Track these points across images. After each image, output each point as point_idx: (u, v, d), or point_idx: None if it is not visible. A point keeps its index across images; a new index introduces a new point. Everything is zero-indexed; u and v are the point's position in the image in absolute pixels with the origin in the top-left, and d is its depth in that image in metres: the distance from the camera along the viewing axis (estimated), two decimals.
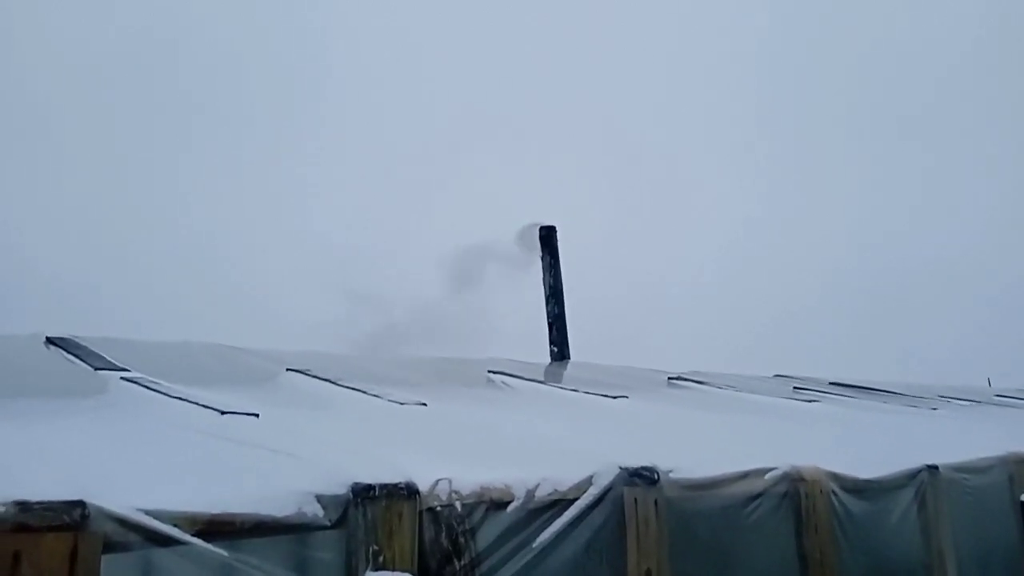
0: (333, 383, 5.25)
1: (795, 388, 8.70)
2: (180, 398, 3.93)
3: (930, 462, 4.67)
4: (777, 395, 7.72)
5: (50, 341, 5.65)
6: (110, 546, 2.25)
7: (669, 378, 8.36)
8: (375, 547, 2.64)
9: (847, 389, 9.16)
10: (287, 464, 2.87)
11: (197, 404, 3.81)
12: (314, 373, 5.47)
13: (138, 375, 4.48)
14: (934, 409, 8.02)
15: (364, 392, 5.02)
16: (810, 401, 7.55)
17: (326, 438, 3.60)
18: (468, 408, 5.39)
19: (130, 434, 3.23)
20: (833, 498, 4.05)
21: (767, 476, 3.81)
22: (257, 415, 3.72)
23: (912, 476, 4.55)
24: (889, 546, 4.42)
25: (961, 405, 8.86)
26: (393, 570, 2.63)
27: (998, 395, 10.54)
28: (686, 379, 8.29)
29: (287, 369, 5.57)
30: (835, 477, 4.11)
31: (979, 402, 9.34)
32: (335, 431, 3.95)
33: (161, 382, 4.31)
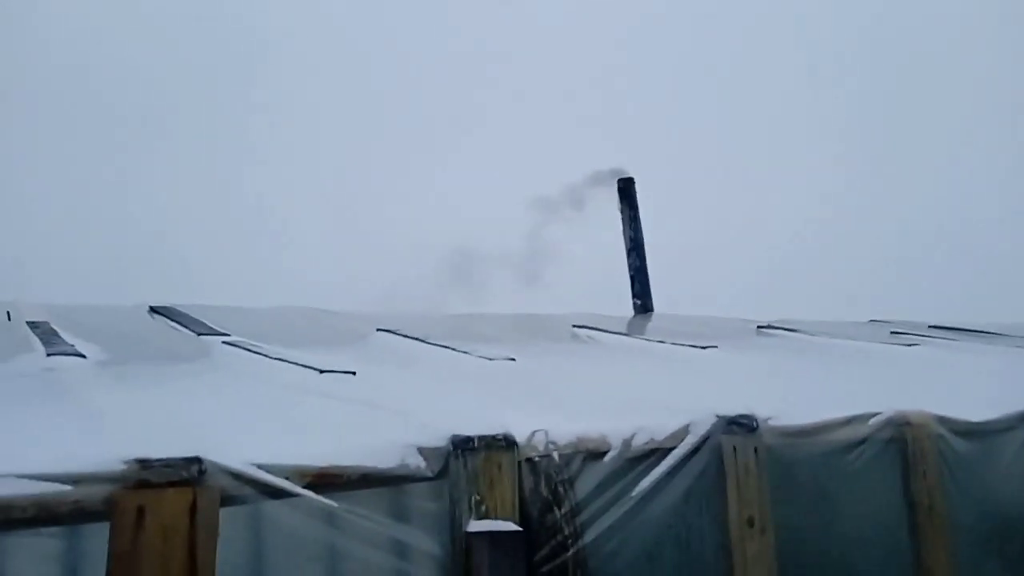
0: (422, 341, 5.33)
1: (892, 333, 8.37)
2: (280, 359, 4.06)
3: None
4: (874, 340, 7.45)
5: (153, 310, 5.91)
6: (226, 499, 2.34)
7: (758, 327, 8.17)
8: (477, 497, 2.68)
9: (948, 332, 8.78)
10: (387, 418, 2.93)
11: (296, 364, 3.92)
12: (403, 332, 5.56)
13: (239, 339, 4.64)
14: None
15: (453, 349, 5.08)
16: (910, 345, 7.26)
17: (421, 393, 3.66)
18: (557, 362, 5.40)
19: (236, 394, 3.36)
20: (941, 442, 3.90)
21: (871, 421, 3.69)
22: (354, 373, 3.80)
23: (1023, 417, 4.33)
24: (1001, 490, 4.23)
25: None
26: (495, 519, 2.67)
27: None
28: (776, 327, 8.08)
29: (377, 329, 5.68)
30: (943, 420, 3.94)
31: None
32: (429, 386, 4.01)
33: (261, 345, 4.46)
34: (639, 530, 3.05)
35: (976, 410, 4.19)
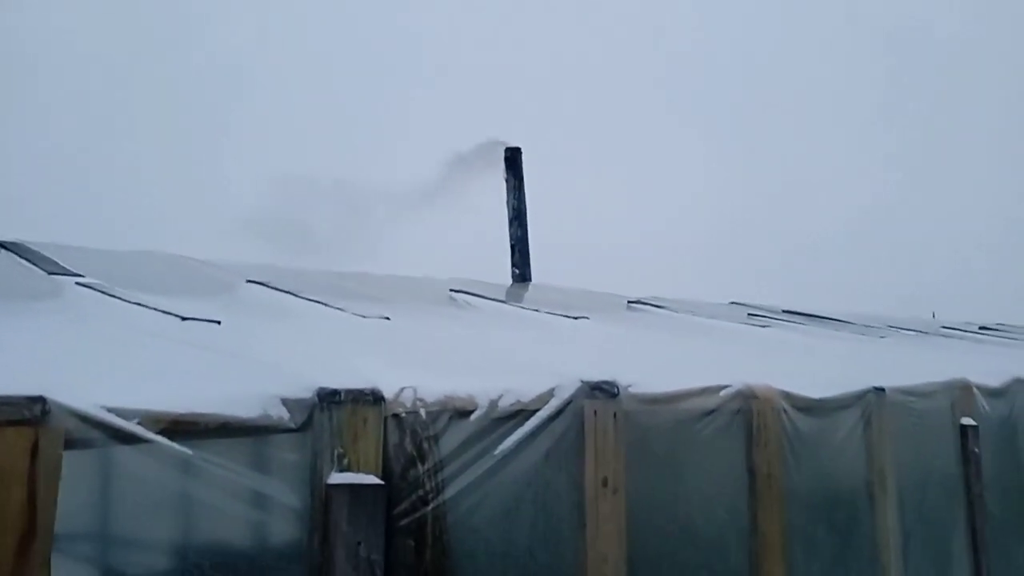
0: (294, 295, 5.21)
1: (749, 315, 8.88)
2: (138, 304, 3.88)
3: (877, 384, 4.84)
4: (732, 320, 7.89)
5: (1, 246, 5.49)
6: (72, 443, 2.23)
7: (629, 302, 8.47)
8: (340, 450, 2.67)
9: (799, 317, 9.39)
10: (251, 368, 2.87)
11: (156, 310, 3.76)
12: (275, 285, 5.42)
13: (94, 281, 4.39)
14: (882, 337, 8.27)
15: (326, 304, 5.00)
16: (764, 327, 7.73)
17: (290, 346, 3.59)
18: (431, 323, 5.42)
19: (88, 336, 3.19)
20: (783, 416, 4.19)
21: (722, 393, 3.92)
22: (219, 322, 3.68)
23: (859, 397, 4.71)
24: (834, 463, 4.61)
25: (908, 335, 9.15)
26: (358, 472, 2.67)
27: (944, 327, 10.89)
28: (645, 303, 8.40)
29: (247, 280, 5.51)
30: (786, 396, 4.24)
31: (926, 333, 9.65)
32: (298, 340, 3.94)
33: (118, 288, 4.24)
34: (499, 487, 3.13)
35: (817, 388, 4.53)
